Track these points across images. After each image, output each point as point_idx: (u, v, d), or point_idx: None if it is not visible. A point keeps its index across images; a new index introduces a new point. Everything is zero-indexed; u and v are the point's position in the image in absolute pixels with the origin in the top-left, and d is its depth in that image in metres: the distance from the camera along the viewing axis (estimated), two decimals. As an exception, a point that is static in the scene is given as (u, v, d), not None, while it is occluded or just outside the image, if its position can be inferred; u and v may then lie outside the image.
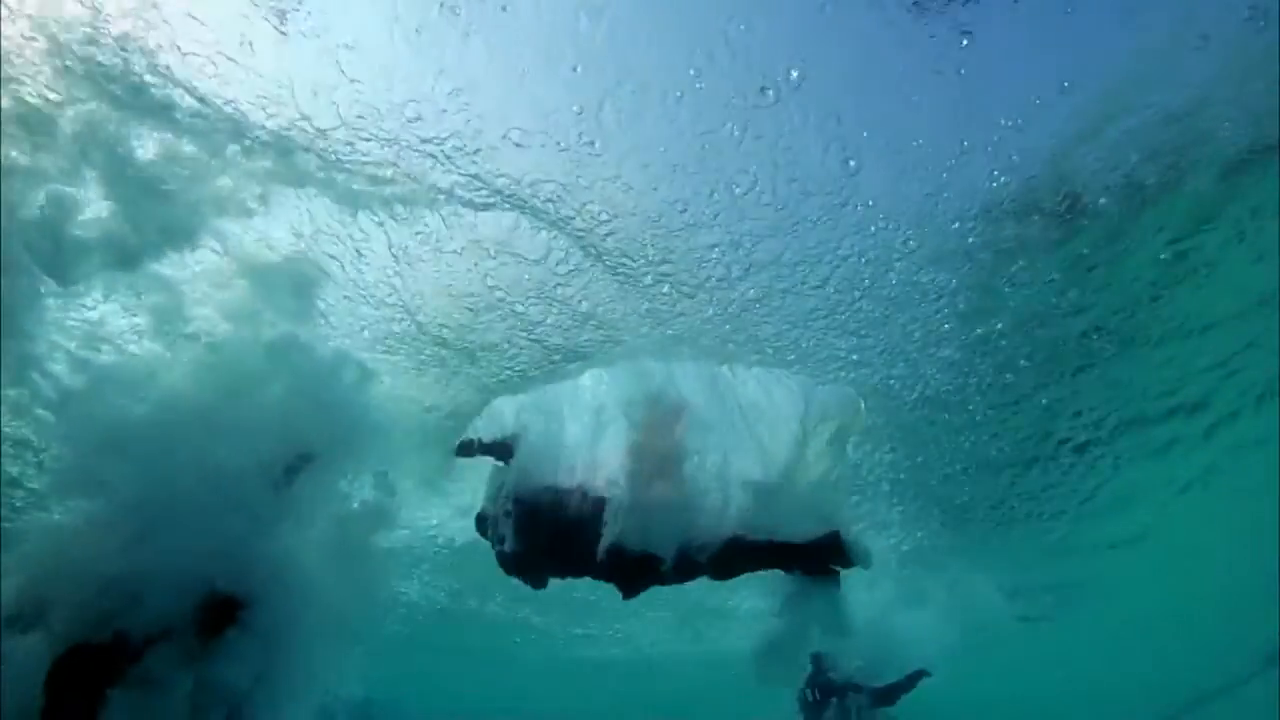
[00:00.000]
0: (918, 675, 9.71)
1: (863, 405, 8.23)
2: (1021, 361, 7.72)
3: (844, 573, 7.35)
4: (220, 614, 3.44)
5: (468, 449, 7.38)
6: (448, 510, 10.07)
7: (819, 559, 6.06)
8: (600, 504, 5.88)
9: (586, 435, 7.14)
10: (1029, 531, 11.46)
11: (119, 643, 3.09)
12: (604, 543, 5.59)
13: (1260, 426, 9.14)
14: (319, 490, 4.63)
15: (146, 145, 5.43)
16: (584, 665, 18.91)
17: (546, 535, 5.91)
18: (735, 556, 5.70)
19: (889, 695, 9.60)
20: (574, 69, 5.19)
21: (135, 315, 6.63)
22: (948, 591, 12.85)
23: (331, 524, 4.75)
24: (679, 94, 5.36)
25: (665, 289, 6.89)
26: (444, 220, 6.23)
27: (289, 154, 5.60)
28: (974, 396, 8.30)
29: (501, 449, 7.01)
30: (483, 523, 6.51)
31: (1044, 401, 8.42)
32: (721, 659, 15.92)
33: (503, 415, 8.06)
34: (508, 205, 6.05)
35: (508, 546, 5.91)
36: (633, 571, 5.56)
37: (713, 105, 5.44)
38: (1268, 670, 18.78)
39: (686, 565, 5.55)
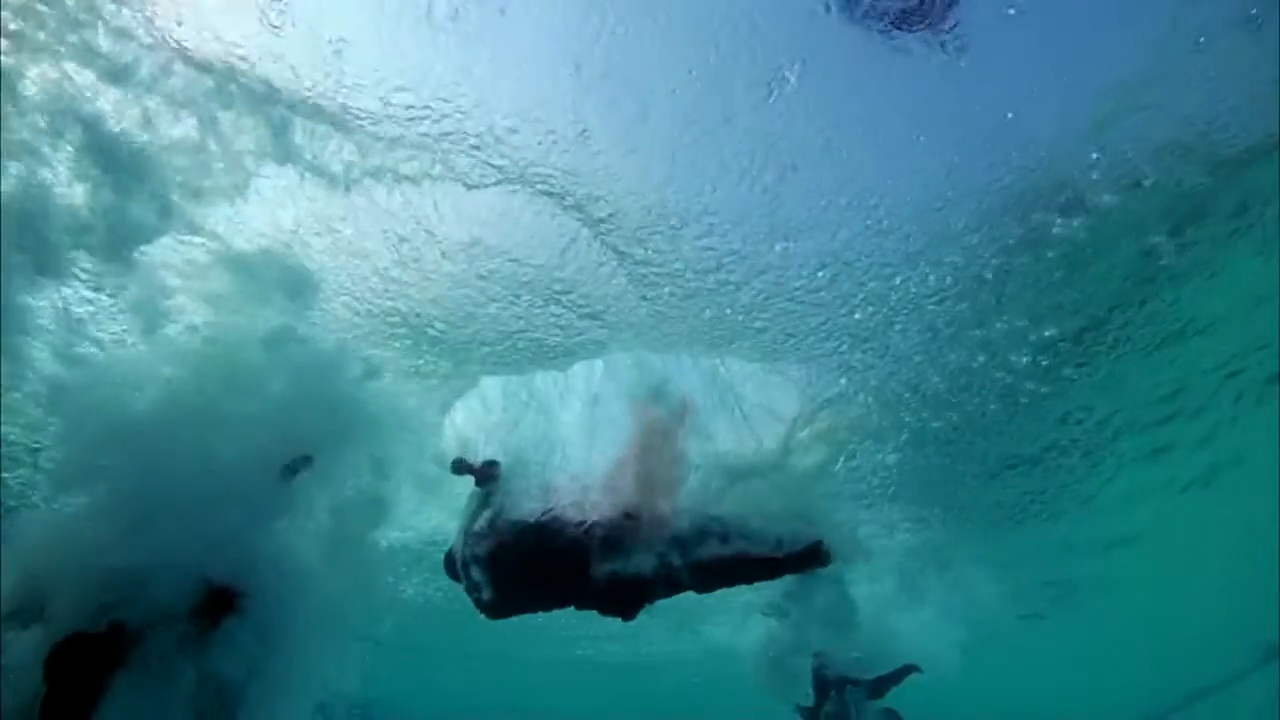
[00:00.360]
0: (907, 669, 9.63)
1: (864, 405, 8.23)
2: (1023, 361, 7.70)
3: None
4: (217, 605, 3.45)
5: (459, 468, 6.79)
6: (445, 512, 10.01)
7: (803, 567, 5.87)
8: (595, 528, 5.40)
9: (580, 446, 6.80)
10: (1030, 530, 11.44)
11: (115, 631, 3.12)
12: (602, 571, 5.22)
13: (1261, 426, 9.12)
14: (317, 487, 4.60)
15: (128, 117, 5.13)
16: (584, 664, 18.90)
17: (532, 572, 5.37)
18: (720, 571, 5.44)
19: (879, 688, 9.53)
20: (576, 67, 5.17)
21: (112, 306, 6.38)
22: (948, 589, 12.83)
23: (327, 513, 4.68)
24: (674, 90, 5.34)
25: (666, 289, 6.87)
26: (436, 205, 6.10)
27: (284, 133, 5.40)
28: (974, 398, 8.27)
29: (487, 474, 6.25)
30: (452, 564, 5.59)
31: (1045, 403, 8.39)
32: (720, 655, 15.90)
33: (489, 396, 7.78)
34: (504, 183, 5.93)
35: (486, 595, 5.34)
36: (631, 597, 5.26)
37: (710, 102, 5.41)
38: (1266, 665, 18.87)
39: (672, 582, 5.30)
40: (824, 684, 9.16)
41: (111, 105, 5.11)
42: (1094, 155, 5.75)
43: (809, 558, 5.83)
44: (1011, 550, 12.20)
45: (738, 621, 15.13)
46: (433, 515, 10.33)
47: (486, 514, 5.73)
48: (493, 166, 5.81)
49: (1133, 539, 12.05)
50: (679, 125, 5.55)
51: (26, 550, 3.36)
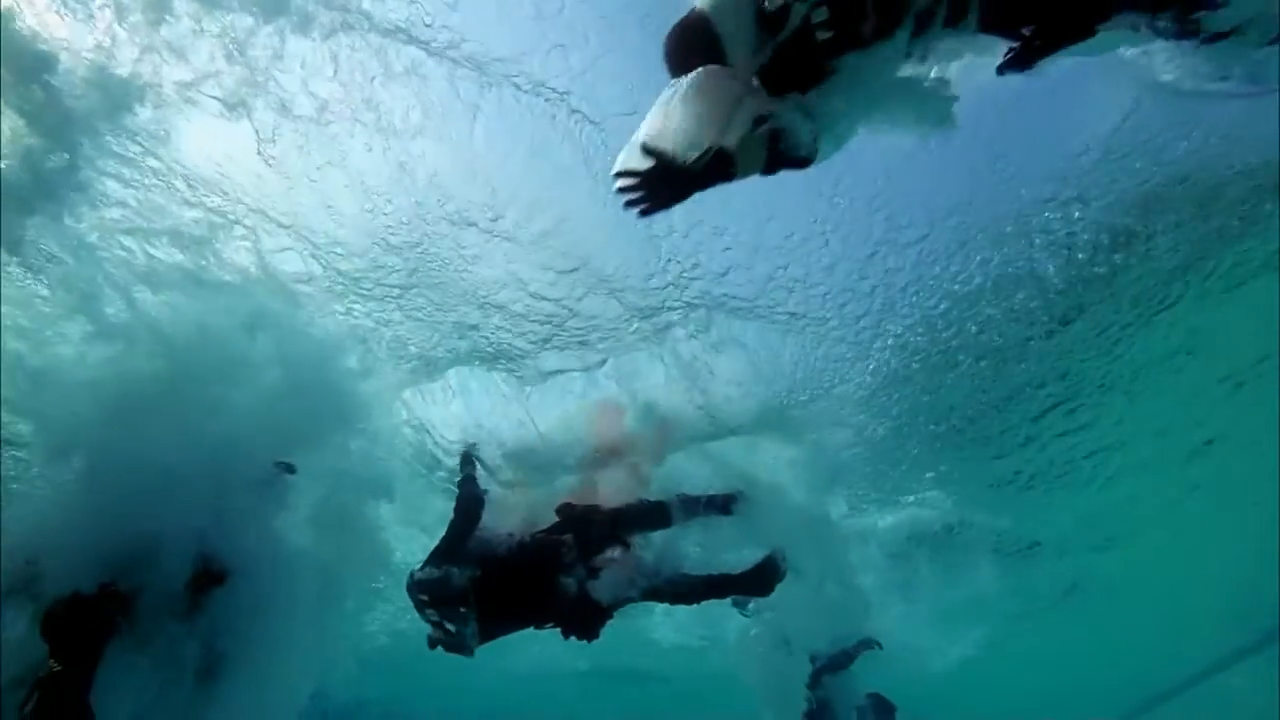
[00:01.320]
0: (866, 644, 9.62)
1: (861, 403, 8.25)
2: (1024, 364, 7.72)
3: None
4: (206, 579, 3.53)
5: (465, 465, 6.34)
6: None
7: (755, 586, 5.51)
8: (558, 546, 5.08)
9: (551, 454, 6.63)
10: (1031, 529, 11.56)
11: (106, 593, 3.22)
12: (563, 593, 4.89)
13: (1262, 431, 9.22)
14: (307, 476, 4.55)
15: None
16: (583, 665, 18.87)
17: (508, 602, 4.98)
18: (670, 593, 5.17)
19: (847, 661, 9.53)
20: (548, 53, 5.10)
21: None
22: (946, 585, 12.85)
23: (320, 500, 4.61)
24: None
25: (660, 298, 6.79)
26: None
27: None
28: (970, 402, 8.28)
29: (470, 507, 5.68)
30: (420, 602, 5.05)
31: (1047, 405, 8.45)
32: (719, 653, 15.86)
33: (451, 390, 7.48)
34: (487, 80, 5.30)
35: (471, 642, 4.86)
36: (597, 616, 5.00)
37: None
38: (1266, 648, 19.05)
39: (624, 601, 5.01)
40: (818, 675, 9.17)
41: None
42: (1090, 153, 5.73)
43: (761, 580, 5.54)
44: (1010, 547, 12.25)
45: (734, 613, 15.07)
46: (420, 542, 10.16)
47: (451, 542, 5.31)
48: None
49: (1134, 537, 12.17)
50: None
51: (24, 523, 3.45)
